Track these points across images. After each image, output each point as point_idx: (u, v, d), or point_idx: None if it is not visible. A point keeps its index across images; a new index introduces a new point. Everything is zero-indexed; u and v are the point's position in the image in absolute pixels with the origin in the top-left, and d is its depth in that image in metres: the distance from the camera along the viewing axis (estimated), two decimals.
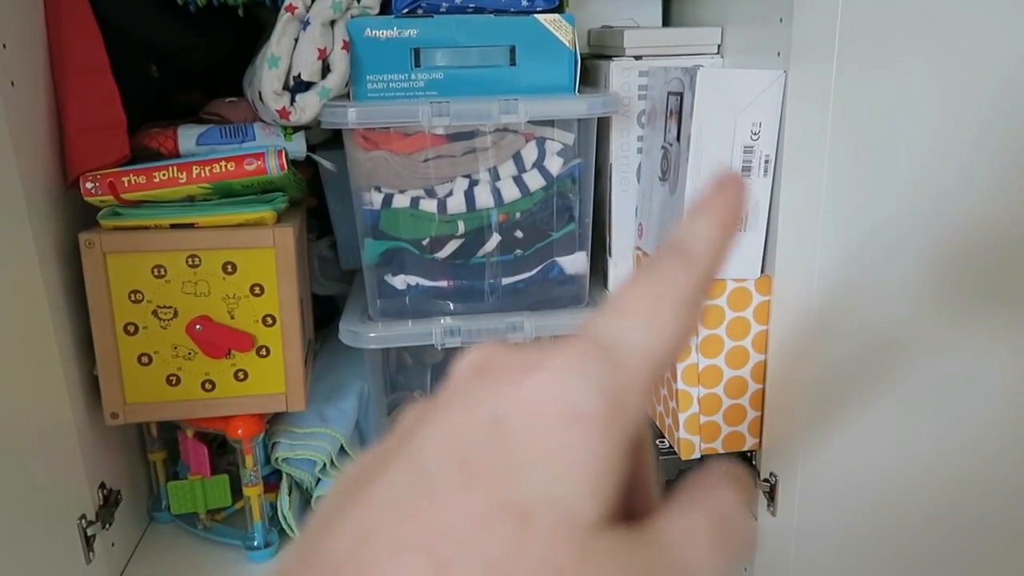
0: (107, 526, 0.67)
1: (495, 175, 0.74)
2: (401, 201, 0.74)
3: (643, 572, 0.16)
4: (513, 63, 0.73)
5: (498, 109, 0.70)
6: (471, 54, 0.73)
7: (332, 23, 0.68)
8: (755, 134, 0.69)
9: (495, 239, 0.76)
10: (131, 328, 0.65)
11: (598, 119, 0.76)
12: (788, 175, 0.67)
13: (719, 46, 0.78)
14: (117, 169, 0.64)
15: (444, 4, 0.72)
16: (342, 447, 0.76)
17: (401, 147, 0.73)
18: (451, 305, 0.76)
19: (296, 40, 0.67)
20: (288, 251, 0.66)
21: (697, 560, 0.17)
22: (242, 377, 0.68)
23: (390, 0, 0.71)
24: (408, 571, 0.14)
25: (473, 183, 0.74)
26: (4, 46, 0.57)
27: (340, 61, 0.68)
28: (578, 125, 0.75)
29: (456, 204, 0.74)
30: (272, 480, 0.75)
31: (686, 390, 0.73)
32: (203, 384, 0.67)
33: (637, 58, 0.77)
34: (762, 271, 0.72)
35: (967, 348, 0.46)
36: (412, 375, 0.85)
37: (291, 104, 0.68)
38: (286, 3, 0.66)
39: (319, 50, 0.66)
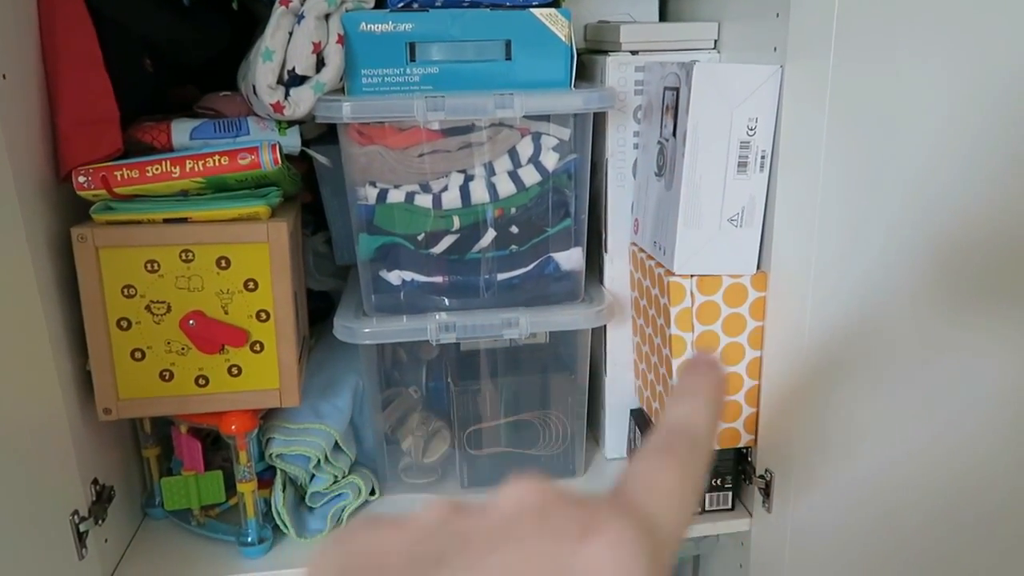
0: (100, 522, 0.66)
1: (490, 170, 0.74)
2: (396, 196, 0.73)
3: None
4: (509, 58, 0.73)
5: (493, 104, 0.70)
6: (466, 48, 0.72)
7: (327, 17, 0.67)
8: (751, 129, 0.68)
9: (490, 234, 0.75)
10: (124, 323, 0.65)
11: (594, 115, 0.75)
12: (785, 171, 0.67)
13: (716, 41, 0.78)
14: (110, 163, 0.63)
15: None
16: (336, 443, 0.76)
17: (396, 142, 0.73)
18: (446, 301, 0.76)
19: (290, 34, 0.66)
20: (282, 246, 0.66)
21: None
22: (236, 373, 0.68)
23: None
24: None
25: (468, 178, 0.74)
26: None
27: (335, 55, 0.67)
28: (574, 120, 0.74)
29: (451, 199, 0.74)
30: (266, 476, 0.74)
31: None
32: (197, 380, 0.67)
33: (633, 53, 0.77)
34: (758, 267, 0.71)
35: (964, 345, 0.46)
36: (407, 371, 0.85)
37: (285, 98, 0.68)
38: None
39: (313, 44, 0.66)
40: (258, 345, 0.67)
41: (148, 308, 0.65)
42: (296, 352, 0.69)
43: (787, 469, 0.69)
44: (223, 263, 0.65)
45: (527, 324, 0.75)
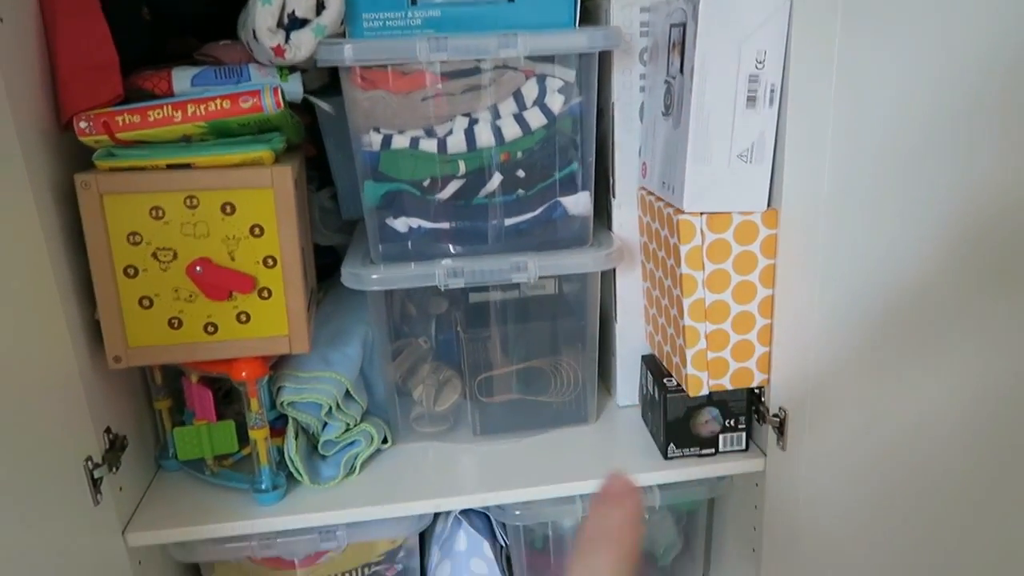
0: (114, 470, 0.67)
1: (495, 113, 0.73)
2: (400, 142, 0.72)
3: None
4: (511, 0, 0.72)
5: (497, 44, 0.69)
6: None
7: None
8: (760, 63, 0.67)
9: (497, 179, 0.75)
10: (131, 271, 0.65)
11: (599, 57, 0.74)
12: (794, 105, 0.66)
13: None
14: (111, 108, 0.63)
15: None
16: (347, 391, 0.76)
17: (399, 86, 0.72)
18: (453, 247, 0.76)
19: None
20: (287, 191, 0.65)
21: None
22: (244, 320, 0.67)
23: None
24: None
25: (473, 122, 0.73)
26: None
27: None
28: (579, 61, 0.73)
29: (456, 143, 0.73)
30: (278, 425, 0.74)
31: (693, 326, 0.72)
32: (205, 327, 0.67)
33: None
34: (768, 204, 0.70)
35: (986, 285, 0.45)
36: (416, 325, 0.85)
37: (286, 42, 0.67)
38: None
39: None
40: (266, 291, 0.67)
41: (154, 255, 0.65)
42: (304, 299, 0.69)
43: (801, 407, 0.69)
44: (228, 209, 0.65)
45: (535, 268, 0.74)
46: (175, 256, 0.65)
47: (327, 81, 0.83)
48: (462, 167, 0.74)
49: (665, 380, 0.78)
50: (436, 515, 0.90)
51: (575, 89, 0.74)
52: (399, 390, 0.82)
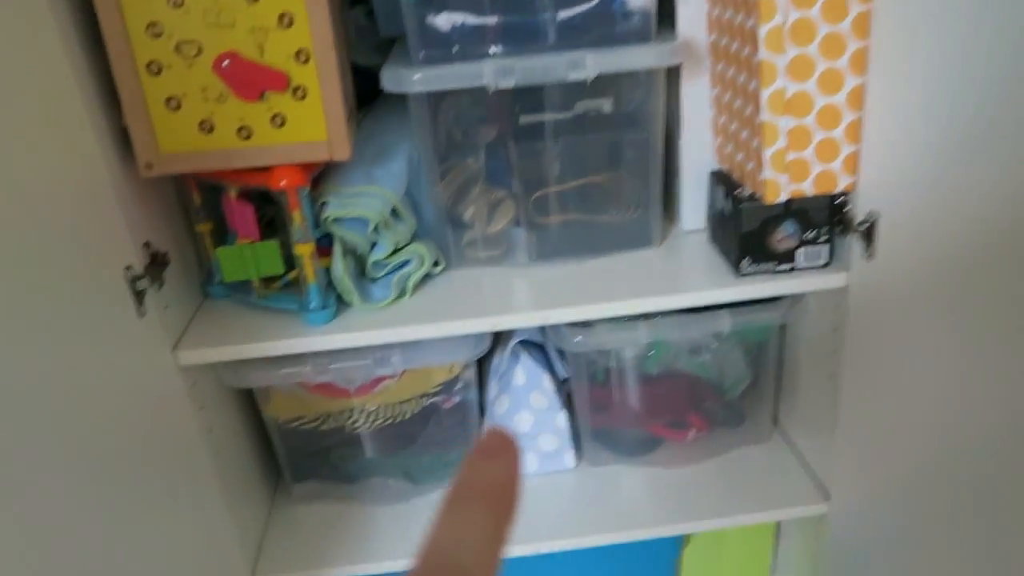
0: (158, 286, 0.64)
1: None
2: None
3: None
4: None
5: None
6: None
7: None
8: None
9: None
10: (154, 67, 0.60)
11: None
12: None
13: None
14: None
15: None
16: (394, 209, 0.71)
17: None
18: (502, 47, 0.68)
19: None
20: None
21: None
22: (280, 123, 0.62)
23: None
24: None
25: None
26: None
27: None
28: None
29: None
30: (325, 244, 0.71)
31: (771, 122, 0.65)
32: (239, 131, 0.62)
33: None
34: None
35: None
36: (464, 150, 0.79)
37: None
38: None
39: None
40: (300, 91, 0.62)
41: (178, 49, 0.59)
42: (342, 101, 0.63)
43: (892, 212, 0.62)
44: None
45: (594, 64, 0.67)
46: (200, 51, 0.59)
47: None
48: None
49: (737, 192, 0.71)
50: (493, 347, 0.87)
51: None
52: (449, 215, 0.77)
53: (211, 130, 0.62)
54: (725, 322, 0.77)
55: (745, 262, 0.71)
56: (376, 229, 0.70)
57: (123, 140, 0.63)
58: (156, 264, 0.65)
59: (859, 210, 0.66)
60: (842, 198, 0.69)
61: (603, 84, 0.71)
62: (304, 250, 0.67)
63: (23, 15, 0.51)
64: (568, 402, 0.91)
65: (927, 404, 0.60)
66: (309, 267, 0.67)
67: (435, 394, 0.83)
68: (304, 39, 0.60)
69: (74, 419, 0.50)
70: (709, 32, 0.73)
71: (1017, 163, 0.47)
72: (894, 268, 0.63)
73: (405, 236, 0.72)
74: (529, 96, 0.72)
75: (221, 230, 0.75)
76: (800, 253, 0.71)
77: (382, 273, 0.72)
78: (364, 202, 0.68)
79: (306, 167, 0.65)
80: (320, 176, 0.71)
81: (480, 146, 0.80)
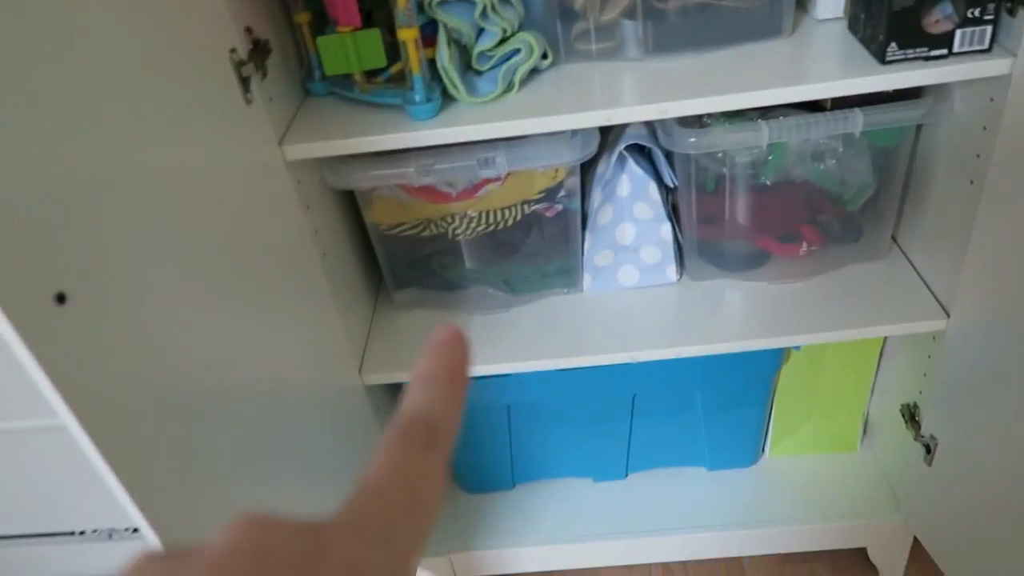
0: (262, 75, 0.62)
1: None
2: None
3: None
4: None
5: None
6: None
7: None
8: None
9: None
10: None
11: None
12: None
13: None
14: None
15: None
16: None
17: None
18: None
19: None
20: None
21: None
22: None
23: None
24: None
25: None
26: None
27: None
28: None
29: None
30: (429, 32, 0.66)
31: None
32: None
33: None
34: None
35: None
36: None
37: None
38: None
39: None
40: None
41: None
42: None
43: None
44: None
45: None
46: None
47: None
48: None
49: None
50: (599, 154, 0.83)
51: None
52: (559, 2, 0.71)
53: None
54: (857, 121, 0.71)
55: (892, 47, 0.63)
56: (483, 13, 0.65)
57: None
58: (259, 51, 0.62)
59: None
60: None
61: None
62: (408, 35, 0.62)
63: None
64: (674, 213, 0.87)
65: None
66: (414, 55, 0.63)
67: (538, 201, 0.81)
68: None
69: (195, 209, 0.50)
70: None
71: None
72: None
73: (513, 23, 0.67)
74: None
75: (320, 20, 0.71)
76: (957, 35, 0.63)
77: (488, 65, 0.68)
78: None
79: None
80: None
81: None
